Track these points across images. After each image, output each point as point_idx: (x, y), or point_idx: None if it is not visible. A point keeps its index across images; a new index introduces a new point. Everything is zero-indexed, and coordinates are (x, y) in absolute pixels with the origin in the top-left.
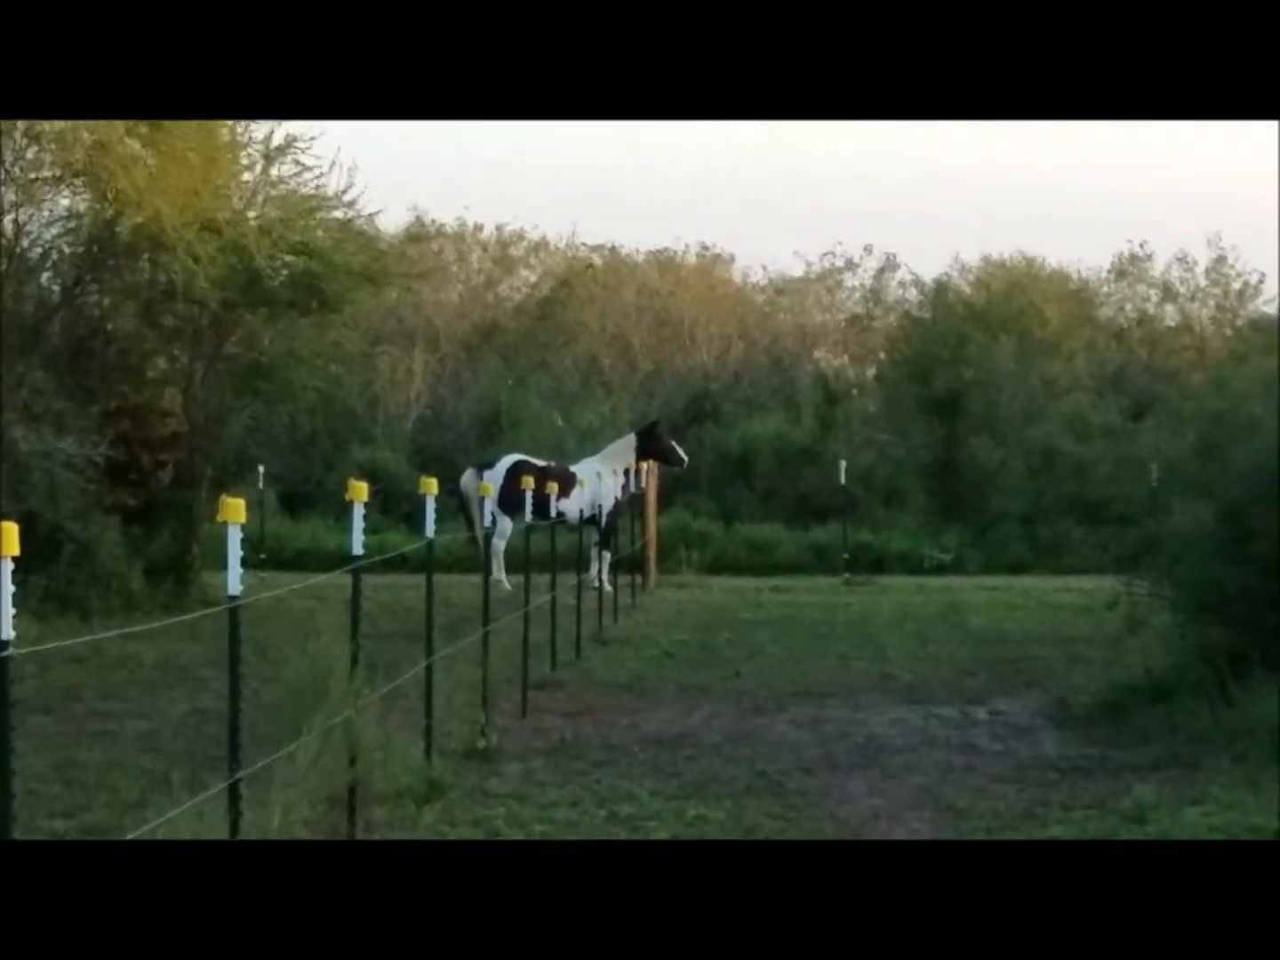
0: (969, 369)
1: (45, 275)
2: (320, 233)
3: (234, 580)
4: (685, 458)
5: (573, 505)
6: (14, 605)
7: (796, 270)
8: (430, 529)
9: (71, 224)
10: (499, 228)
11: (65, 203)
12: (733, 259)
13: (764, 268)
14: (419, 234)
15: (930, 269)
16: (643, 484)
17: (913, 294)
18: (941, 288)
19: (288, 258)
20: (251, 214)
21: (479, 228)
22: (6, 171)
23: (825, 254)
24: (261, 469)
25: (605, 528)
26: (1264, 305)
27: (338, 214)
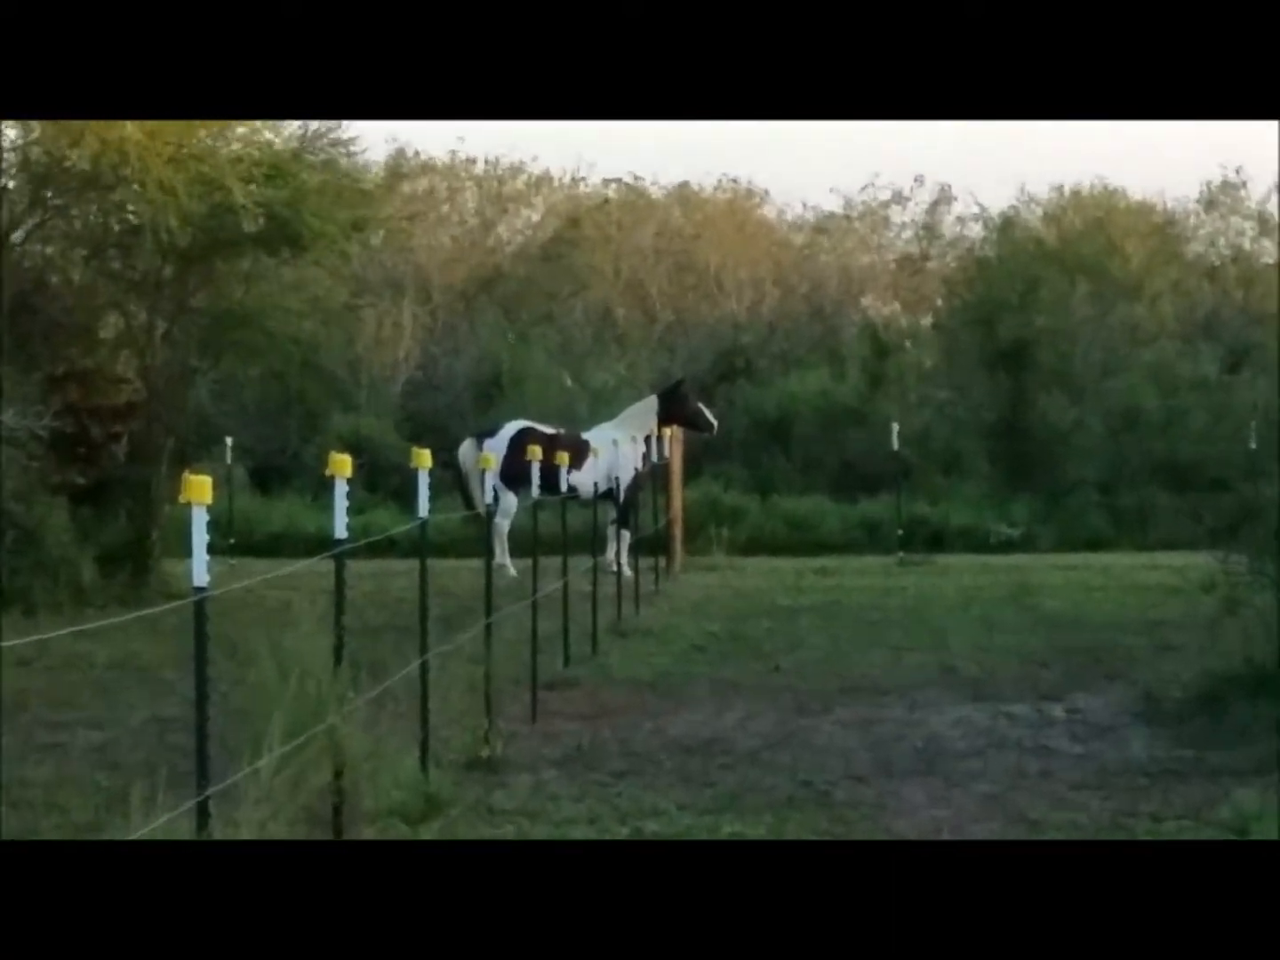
0: (1039, 315)
1: None
2: (302, 174)
3: (199, 569)
4: (714, 422)
5: (586, 478)
6: None
7: (837, 205)
8: (423, 507)
9: (10, 157)
10: (495, 160)
11: (11, 134)
12: (765, 194)
13: (803, 203)
14: (404, 169)
15: (993, 201)
16: (666, 453)
17: (973, 230)
18: (1007, 222)
19: (264, 191)
20: (223, 147)
21: (471, 161)
22: None
23: (865, 186)
24: (229, 441)
25: (624, 503)
26: None
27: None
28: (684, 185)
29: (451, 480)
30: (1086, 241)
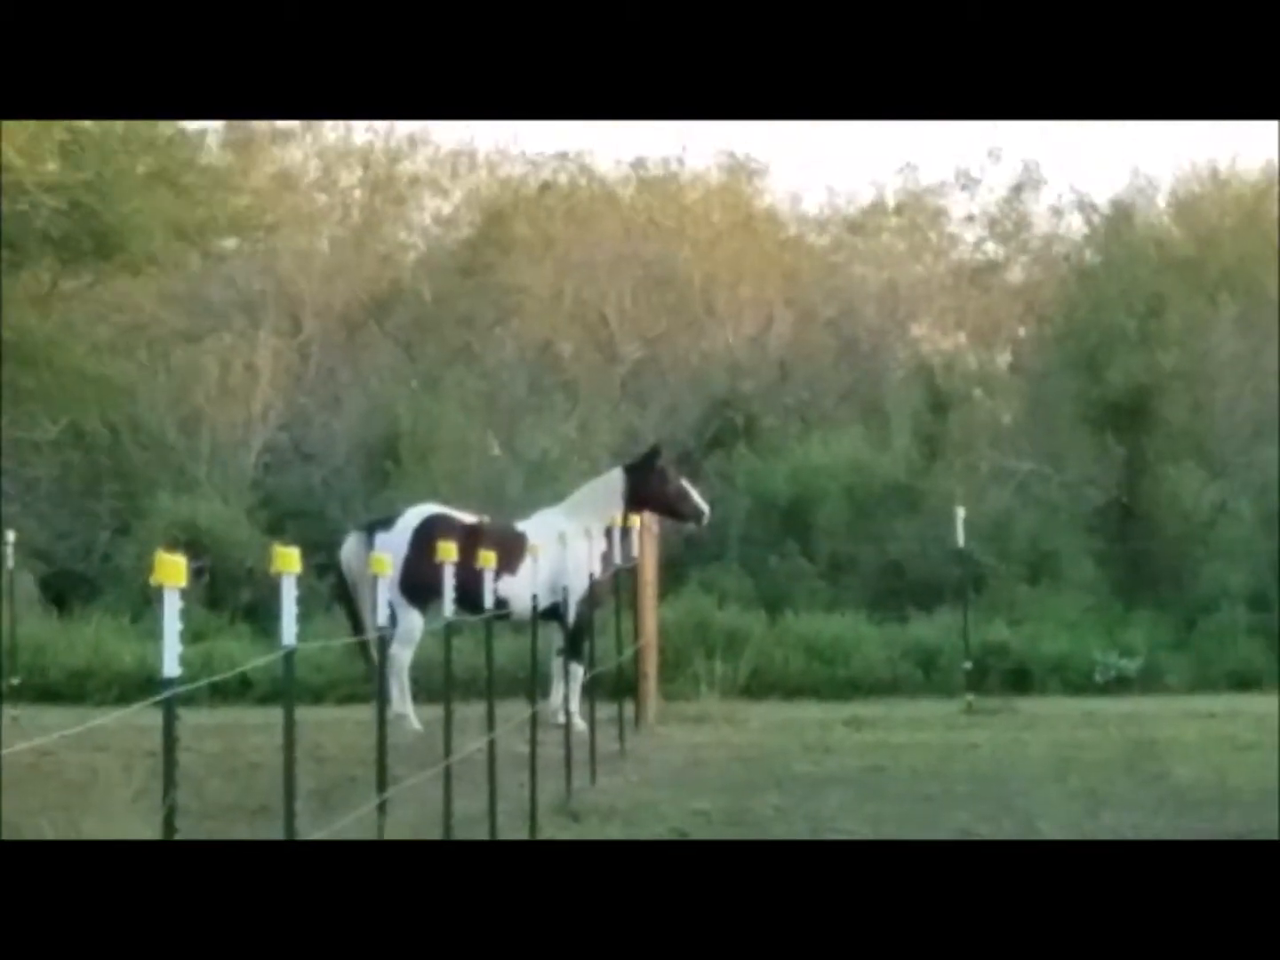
0: (1167, 352)
1: None
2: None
3: (170, 659)
4: (704, 507)
5: (521, 588)
6: None
7: (875, 192)
8: (289, 632)
9: None
10: (388, 129)
11: None
12: (770, 174)
13: (827, 189)
14: (249, 142)
15: (1099, 188)
16: (634, 552)
17: (1071, 228)
18: (1120, 218)
19: (64, 172)
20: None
21: (350, 130)
22: None
23: (904, 167)
24: (10, 537)
25: (575, 625)
26: None
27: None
28: (659, 163)
29: (330, 592)
30: (1233, 247)
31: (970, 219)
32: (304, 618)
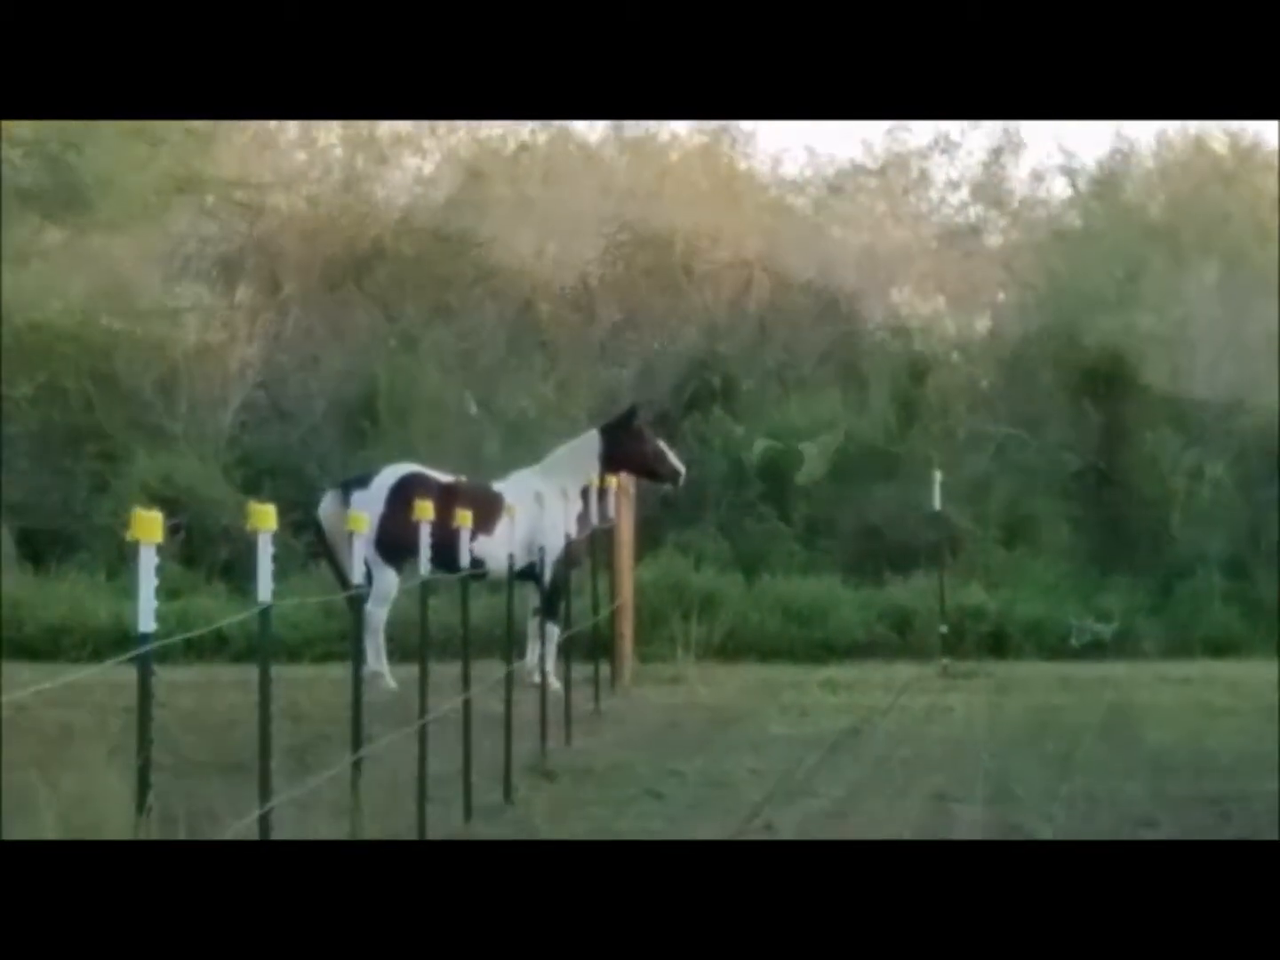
0: (1145, 316)
1: None
2: None
3: (146, 614)
4: (680, 468)
5: (497, 547)
6: None
7: (856, 153)
8: (265, 589)
9: None
10: None
11: None
12: (752, 137)
13: (807, 150)
14: None
15: (1081, 150)
16: (611, 513)
17: (1052, 192)
18: (1101, 182)
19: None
20: None
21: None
22: None
23: (893, 128)
24: None
25: (551, 585)
26: None
27: None
28: (637, 125)
29: (307, 550)
30: (1212, 210)
31: (951, 183)
32: (280, 575)
